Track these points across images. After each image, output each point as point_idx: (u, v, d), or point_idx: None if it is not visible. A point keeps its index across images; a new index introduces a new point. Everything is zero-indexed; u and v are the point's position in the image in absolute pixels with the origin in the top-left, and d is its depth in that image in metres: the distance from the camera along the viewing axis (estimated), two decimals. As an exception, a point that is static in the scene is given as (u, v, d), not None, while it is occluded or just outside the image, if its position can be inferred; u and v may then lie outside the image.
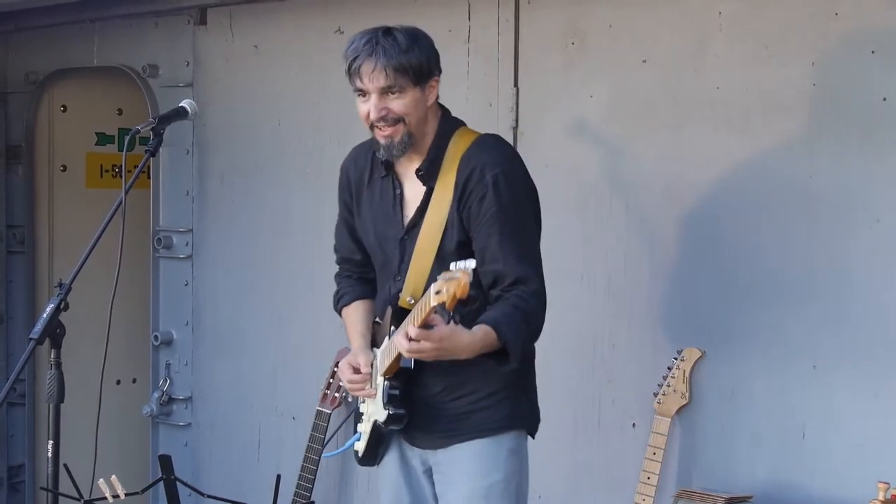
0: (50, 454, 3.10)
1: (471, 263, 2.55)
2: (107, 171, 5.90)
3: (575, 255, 3.99)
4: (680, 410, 3.72)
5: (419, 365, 3.00)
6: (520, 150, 3.93)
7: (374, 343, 3.18)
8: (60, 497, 3.20)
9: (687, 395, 3.70)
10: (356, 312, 3.28)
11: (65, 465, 3.18)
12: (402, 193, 3.15)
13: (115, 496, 3.36)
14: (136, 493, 3.54)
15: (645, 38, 3.88)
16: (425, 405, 3.09)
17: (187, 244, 5.08)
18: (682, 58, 3.80)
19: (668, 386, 3.71)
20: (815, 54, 3.56)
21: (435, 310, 2.66)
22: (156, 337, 5.16)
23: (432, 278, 2.69)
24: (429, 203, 3.07)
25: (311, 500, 4.32)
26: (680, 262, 3.82)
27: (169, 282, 5.16)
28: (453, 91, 3.93)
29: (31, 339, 3.01)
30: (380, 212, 3.18)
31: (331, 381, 4.39)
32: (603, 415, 3.98)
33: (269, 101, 4.84)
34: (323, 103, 4.63)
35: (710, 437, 3.76)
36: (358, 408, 3.27)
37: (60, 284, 3.04)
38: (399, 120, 3.02)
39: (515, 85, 4.15)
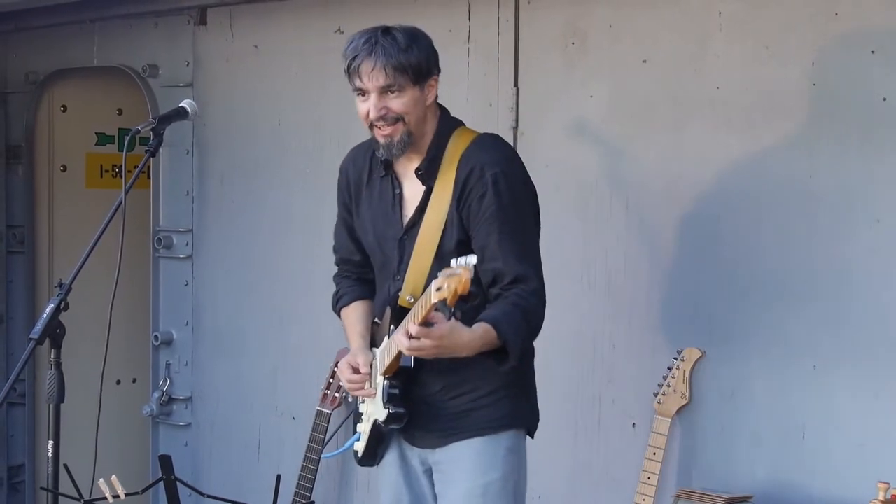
0: (50, 454, 3.10)
1: (472, 259, 2.55)
2: (107, 171, 5.90)
3: (575, 255, 3.99)
4: (680, 410, 3.72)
5: (419, 364, 3.00)
6: (520, 150, 3.94)
7: (374, 343, 3.18)
8: (60, 497, 3.20)
9: (687, 395, 3.70)
10: (355, 313, 3.28)
11: (65, 465, 3.18)
12: (401, 193, 3.15)
13: (115, 496, 3.36)
14: (136, 493, 3.54)
15: (645, 38, 3.88)
16: (425, 404, 3.09)
17: (187, 244, 5.08)
18: (682, 58, 3.80)
19: (668, 386, 3.71)
20: (815, 54, 3.56)
21: (436, 307, 2.66)
22: (156, 337, 5.16)
23: (432, 277, 2.69)
24: (428, 202, 3.08)
25: (311, 500, 4.32)
26: (680, 262, 3.83)
27: (169, 282, 5.16)
28: (453, 91, 3.94)
29: (31, 339, 3.01)
30: (379, 212, 3.18)
31: (331, 381, 4.39)
32: (603, 415, 3.98)
33: (269, 101, 4.84)
34: (323, 103, 4.63)
35: (710, 437, 3.76)
36: (357, 408, 3.27)
37: (60, 284, 3.04)
38: (398, 119, 3.02)
39: (515, 85, 4.15)
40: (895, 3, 3.43)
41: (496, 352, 2.93)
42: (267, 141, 4.84)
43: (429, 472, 3.20)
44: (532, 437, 3.23)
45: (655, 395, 3.73)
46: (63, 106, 5.71)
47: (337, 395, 4.36)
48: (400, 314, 2.98)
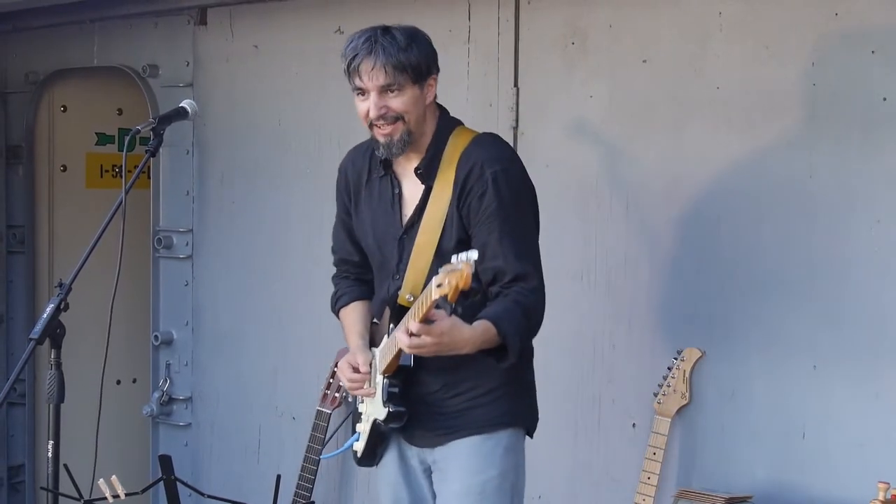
0: (50, 454, 3.10)
1: (473, 254, 2.55)
2: (107, 171, 5.90)
3: (575, 255, 3.99)
4: (680, 410, 3.72)
5: (418, 363, 3.01)
6: (520, 150, 3.95)
7: (373, 343, 3.19)
8: (60, 497, 3.20)
9: (687, 395, 3.70)
10: (354, 313, 3.28)
11: (65, 465, 3.18)
12: (400, 193, 3.15)
13: (115, 496, 3.36)
14: (136, 493, 3.54)
15: (645, 38, 3.88)
16: (424, 403, 3.10)
17: (187, 244, 5.08)
18: (682, 58, 3.80)
19: (668, 386, 3.71)
20: (815, 54, 3.56)
21: (437, 303, 2.65)
22: (156, 337, 5.16)
23: (431, 276, 2.69)
24: (427, 201, 3.08)
25: (312, 500, 4.32)
26: (680, 262, 3.83)
27: (169, 282, 5.16)
28: (453, 91, 3.94)
29: (31, 339, 3.01)
30: (379, 212, 3.18)
31: (331, 381, 4.39)
32: (603, 415, 3.98)
33: (269, 101, 4.84)
34: (323, 103, 4.63)
35: (710, 437, 3.76)
36: (357, 408, 3.28)
37: (60, 284, 3.04)
38: (398, 118, 3.02)
39: (515, 85, 4.15)
40: (895, 3, 3.43)
41: (496, 349, 2.93)
42: (267, 141, 4.84)
43: (428, 472, 3.20)
44: (531, 436, 3.23)
45: (655, 395, 3.73)
46: (63, 106, 5.71)
47: (337, 395, 4.36)
48: (399, 313, 2.98)
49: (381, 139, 3.05)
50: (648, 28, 3.87)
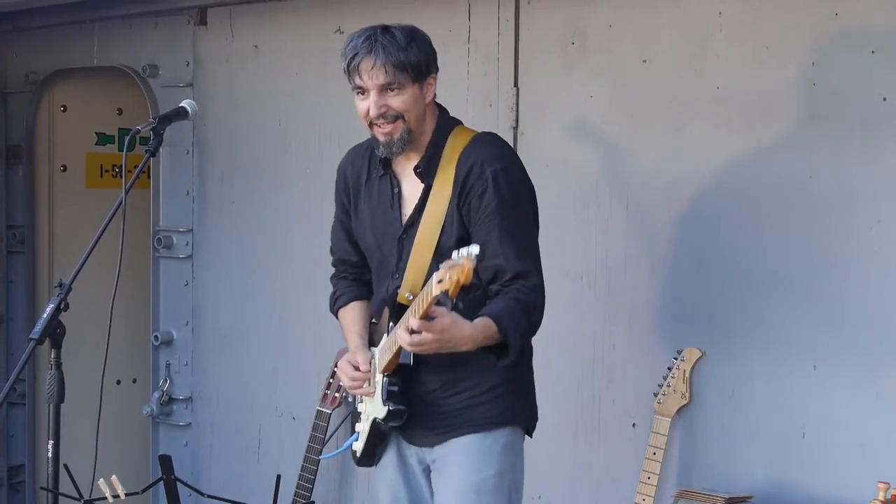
0: (50, 454, 3.10)
1: (474, 249, 2.55)
2: (107, 171, 5.90)
3: (575, 255, 3.99)
4: (680, 410, 3.71)
5: (417, 361, 3.01)
6: (520, 151, 3.95)
7: (372, 343, 3.19)
8: (60, 497, 3.20)
9: (687, 395, 3.70)
10: (353, 313, 3.28)
11: (65, 465, 3.18)
12: (399, 192, 3.15)
13: (115, 496, 3.37)
14: (136, 493, 3.54)
15: (645, 38, 3.88)
16: (423, 402, 3.10)
17: (187, 244, 5.08)
18: (682, 58, 3.80)
19: (668, 386, 3.71)
20: (815, 54, 3.56)
21: (437, 299, 2.65)
22: (156, 337, 5.16)
23: (431, 274, 2.69)
24: (427, 200, 3.08)
25: (312, 500, 4.32)
26: (680, 262, 3.83)
27: (169, 282, 5.16)
28: (453, 91, 3.94)
29: (31, 339, 3.01)
30: (378, 211, 3.18)
31: (331, 381, 4.39)
32: (603, 415, 3.98)
33: (269, 101, 4.84)
34: (323, 103, 4.63)
35: (710, 437, 3.76)
36: (356, 408, 3.27)
37: (60, 284, 3.04)
38: (398, 117, 3.03)
39: (515, 85, 4.15)
40: (895, 3, 3.43)
41: (496, 347, 2.94)
42: (267, 141, 4.84)
43: (427, 472, 3.20)
44: (531, 436, 3.23)
45: (655, 395, 3.73)
46: (63, 106, 5.71)
47: (337, 395, 4.36)
48: (399, 311, 2.98)
49: (381, 138, 3.06)
50: (648, 28, 3.87)
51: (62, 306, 3.02)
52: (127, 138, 3.29)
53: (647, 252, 3.89)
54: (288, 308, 4.78)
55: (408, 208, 3.13)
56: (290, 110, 4.77)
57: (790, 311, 3.60)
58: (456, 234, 3.03)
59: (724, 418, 3.73)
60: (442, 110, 3.17)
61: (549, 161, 4.01)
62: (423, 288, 2.80)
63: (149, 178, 5.16)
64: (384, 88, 3.00)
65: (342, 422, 4.47)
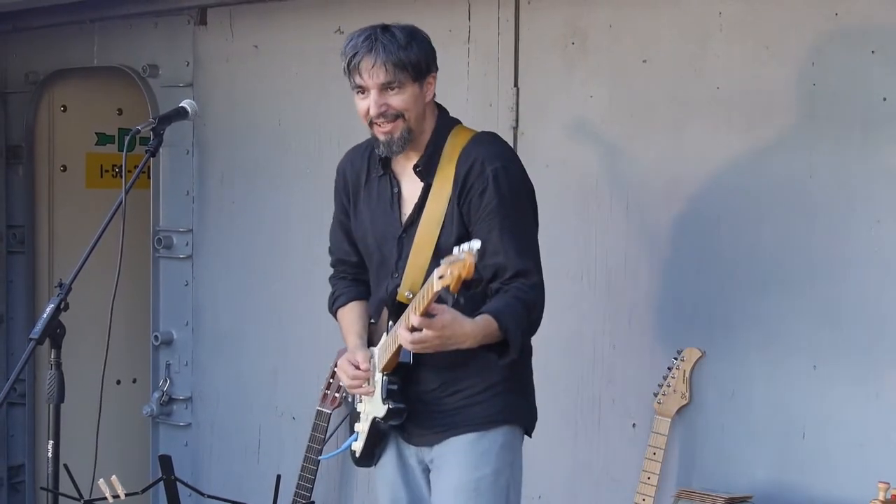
0: (50, 454, 3.10)
1: (476, 244, 2.55)
2: (107, 171, 5.90)
3: (575, 255, 3.99)
4: (680, 410, 3.71)
5: (417, 360, 3.01)
6: (520, 151, 3.95)
7: (371, 343, 3.19)
8: (60, 497, 3.20)
9: (687, 395, 3.70)
10: (352, 313, 3.28)
11: (65, 465, 3.18)
12: (399, 192, 3.15)
13: (115, 496, 3.37)
14: (136, 493, 3.54)
15: (645, 38, 3.88)
16: (422, 402, 3.10)
17: (187, 244, 5.08)
18: (682, 58, 3.80)
19: (668, 386, 3.71)
20: (815, 54, 3.56)
21: (438, 295, 2.65)
22: (156, 337, 5.16)
23: (430, 272, 2.69)
24: (427, 199, 3.08)
25: (312, 500, 4.32)
26: (680, 262, 3.83)
27: (169, 282, 5.16)
28: (453, 91, 3.94)
29: (31, 339, 3.01)
30: (378, 211, 3.18)
31: (331, 381, 4.39)
32: (603, 415, 3.98)
33: (269, 101, 4.84)
34: (323, 103, 4.63)
35: (710, 437, 3.76)
36: (355, 408, 3.27)
37: (60, 284, 3.05)
38: (398, 116, 3.03)
39: (515, 85, 4.15)
40: (895, 3, 3.43)
41: (497, 345, 2.94)
42: (267, 141, 4.84)
43: (426, 471, 3.20)
44: (530, 435, 3.23)
45: (655, 395, 3.73)
46: (63, 106, 5.71)
47: (337, 395, 4.36)
48: (398, 310, 2.98)
49: (382, 137, 3.06)
50: (648, 28, 3.87)
51: (62, 306, 3.02)
52: (127, 138, 3.29)
53: (647, 252, 3.89)
54: (288, 308, 4.78)
55: (407, 208, 3.13)
56: (290, 110, 4.77)
57: (790, 311, 3.60)
58: (456, 232, 3.03)
59: (724, 418, 3.73)
60: (441, 110, 3.18)
61: (549, 161, 4.01)
62: (423, 286, 2.80)
63: (149, 178, 5.16)
64: (384, 87, 3.00)
65: (342, 422, 4.47)
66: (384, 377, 3.06)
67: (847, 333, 3.51)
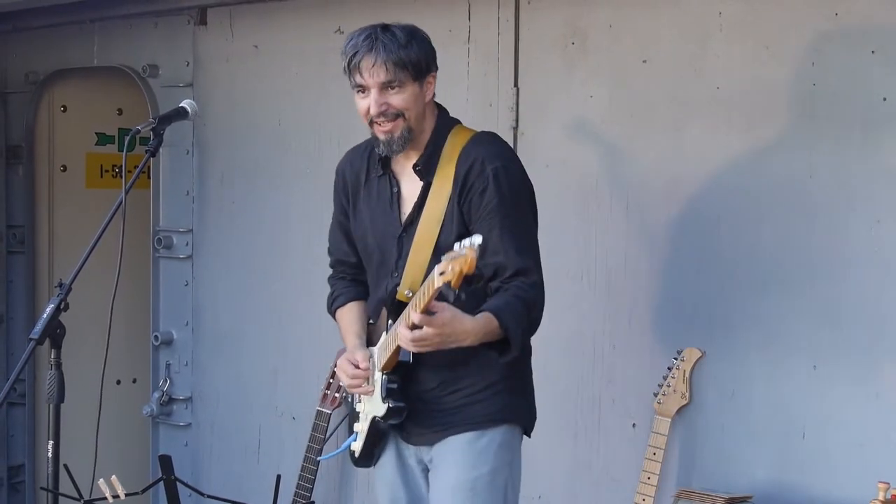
0: (50, 454, 3.10)
1: (477, 239, 2.55)
2: (107, 171, 5.90)
3: (575, 255, 3.99)
4: (680, 410, 3.71)
5: (416, 360, 3.01)
6: (520, 151, 3.95)
7: (370, 343, 3.19)
8: (60, 497, 3.20)
9: (687, 395, 3.70)
10: (351, 313, 3.28)
11: (65, 465, 3.18)
12: (399, 192, 3.16)
13: (115, 496, 3.37)
14: (136, 493, 3.54)
15: (645, 38, 3.88)
16: (421, 401, 3.10)
17: (187, 244, 5.08)
18: (682, 58, 3.80)
19: (668, 386, 3.71)
20: (815, 54, 3.56)
21: (440, 291, 2.64)
22: (156, 337, 5.16)
23: (430, 271, 2.69)
24: (426, 198, 3.09)
25: (312, 500, 4.32)
26: (680, 262, 3.83)
27: (169, 282, 5.16)
28: (453, 91, 3.94)
29: (31, 339, 3.01)
30: (377, 211, 3.19)
31: (331, 381, 4.39)
32: (603, 415, 3.98)
33: (269, 101, 4.84)
34: (323, 103, 4.63)
35: (710, 437, 3.76)
36: (354, 408, 3.27)
37: (60, 284, 3.05)
38: (399, 115, 3.03)
39: (515, 85, 4.15)
40: (895, 3, 3.43)
41: (497, 343, 2.94)
42: (267, 141, 4.84)
43: (426, 471, 3.20)
44: (529, 435, 3.23)
45: (655, 395, 3.73)
46: (63, 106, 5.71)
47: (337, 395, 4.36)
48: (398, 309, 2.98)
49: (382, 136, 3.06)
50: (648, 28, 3.87)
51: (62, 306, 3.02)
52: (127, 138, 3.29)
53: (647, 252, 3.89)
54: (288, 308, 4.78)
55: (407, 207, 3.14)
56: (290, 110, 4.77)
57: (790, 311, 3.60)
58: (456, 231, 3.03)
59: (724, 418, 3.73)
60: (441, 110, 3.18)
61: (549, 161, 4.01)
62: (423, 283, 2.80)
63: (149, 178, 5.16)
64: (385, 86, 3.00)
65: (341, 421, 4.47)
66: (384, 376, 3.06)
67: (847, 333, 3.51)
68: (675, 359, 3.73)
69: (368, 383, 3.10)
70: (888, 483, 3.03)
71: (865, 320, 3.48)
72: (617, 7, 3.93)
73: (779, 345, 3.62)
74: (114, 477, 3.37)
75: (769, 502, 3.61)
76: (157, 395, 5.14)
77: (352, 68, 3.02)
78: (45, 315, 3.01)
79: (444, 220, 3.05)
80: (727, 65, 3.72)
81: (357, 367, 3.10)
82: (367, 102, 3.02)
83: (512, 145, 3.95)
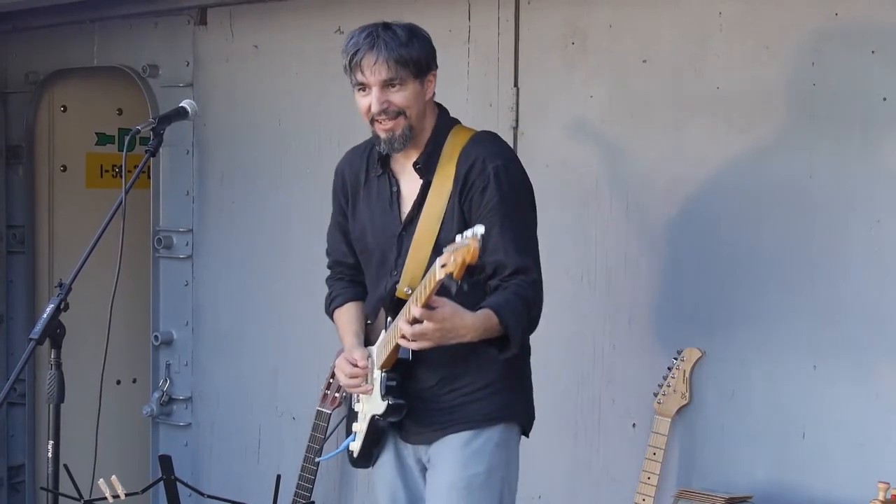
0: (50, 454, 3.10)
1: (479, 229, 2.55)
2: (107, 171, 5.90)
3: (575, 255, 3.99)
4: (680, 410, 3.71)
5: (415, 357, 3.02)
6: (520, 151, 3.95)
7: (368, 343, 3.19)
8: (60, 497, 3.20)
9: (687, 395, 3.70)
10: (349, 313, 3.29)
11: (65, 465, 3.18)
12: (398, 191, 3.16)
13: (115, 496, 3.37)
14: (136, 493, 3.54)
15: (645, 38, 3.88)
16: (420, 399, 3.10)
17: (187, 244, 5.08)
18: (682, 58, 3.80)
19: (668, 386, 3.71)
20: (815, 54, 3.56)
21: (441, 284, 2.64)
22: (156, 337, 5.16)
23: (429, 268, 2.69)
24: (426, 196, 3.09)
25: (312, 500, 4.32)
26: (680, 262, 3.83)
27: (169, 282, 5.16)
28: (453, 91, 3.94)
29: (31, 339, 3.02)
30: (377, 210, 3.19)
31: (331, 381, 4.39)
32: (603, 415, 3.98)
33: (269, 101, 4.84)
34: (323, 103, 4.63)
35: (710, 437, 3.76)
36: (352, 407, 3.27)
37: (60, 284, 3.05)
38: (400, 113, 3.03)
39: (515, 85, 4.15)
40: (895, 3, 3.43)
41: (497, 340, 2.94)
42: (267, 141, 4.84)
43: (425, 471, 3.20)
44: (527, 435, 3.23)
45: (655, 395, 3.73)
46: (63, 106, 5.71)
47: (337, 395, 4.36)
48: (397, 306, 2.98)
49: (383, 134, 3.06)
50: (648, 28, 3.87)
51: (62, 306, 3.02)
52: (127, 138, 3.29)
53: (647, 252, 3.89)
54: (288, 308, 4.78)
55: (406, 205, 3.14)
56: (290, 110, 4.77)
57: (790, 311, 3.60)
58: (456, 229, 3.02)
59: (724, 418, 3.73)
60: (441, 109, 3.18)
61: (549, 161, 4.01)
62: (423, 279, 2.80)
63: (149, 178, 5.17)
64: (386, 84, 3.01)
65: (340, 421, 4.47)
66: (383, 373, 3.06)
67: (847, 333, 3.51)
68: (675, 359, 3.73)
69: (367, 382, 3.10)
70: (888, 483, 3.04)
71: (865, 320, 3.48)
72: (617, 7, 3.93)
73: (779, 344, 3.62)
74: (114, 477, 3.37)
75: (769, 502, 3.61)
76: (157, 395, 5.14)
77: (353, 66, 3.02)
78: (45, 315, 3.01)
79: (444, 218, 3.05)
80: (727, 65, 3.72)
81: (355, 365, 3.10)
82: (368, 100, 3.02)
83: (512, 145, 3.95)
